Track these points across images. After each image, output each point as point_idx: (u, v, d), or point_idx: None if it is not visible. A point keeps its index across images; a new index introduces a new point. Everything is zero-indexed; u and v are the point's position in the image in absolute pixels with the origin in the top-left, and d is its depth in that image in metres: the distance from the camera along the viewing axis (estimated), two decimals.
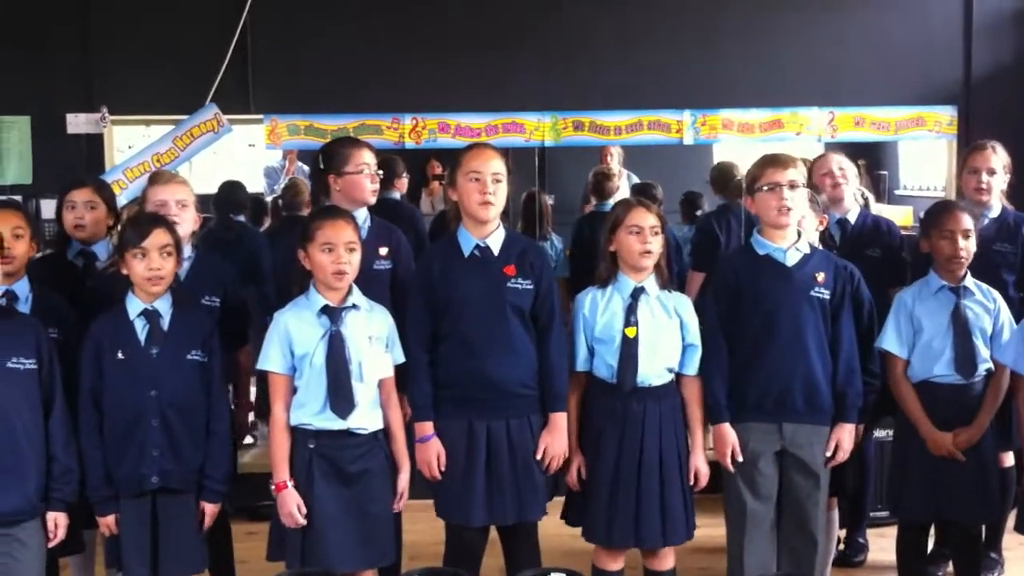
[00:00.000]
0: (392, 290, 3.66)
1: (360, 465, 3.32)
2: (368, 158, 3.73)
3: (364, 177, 3.70)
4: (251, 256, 5.23)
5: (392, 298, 3.61)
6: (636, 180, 6.36)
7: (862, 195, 4.57)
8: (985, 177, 4.16)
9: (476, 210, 3.42)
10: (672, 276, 5.36)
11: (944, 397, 3.61)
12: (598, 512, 3.48)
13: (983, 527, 3.91)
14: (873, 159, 5.32)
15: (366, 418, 3.33)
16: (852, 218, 4.34)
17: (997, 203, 4.20)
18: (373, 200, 3.73)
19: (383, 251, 3.70)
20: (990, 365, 3.61)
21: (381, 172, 3.80)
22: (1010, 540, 3.84)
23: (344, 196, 3.70)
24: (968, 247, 3.61)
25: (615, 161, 6.38)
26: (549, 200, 6.20)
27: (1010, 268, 4.11)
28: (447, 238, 3.55)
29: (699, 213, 6.15)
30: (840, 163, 4.35)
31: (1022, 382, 3.53)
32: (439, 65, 5.38)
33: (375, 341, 3.36)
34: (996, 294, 3.67)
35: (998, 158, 4.18)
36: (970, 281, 3.66)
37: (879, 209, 4.95)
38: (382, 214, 3.91)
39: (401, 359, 3.44)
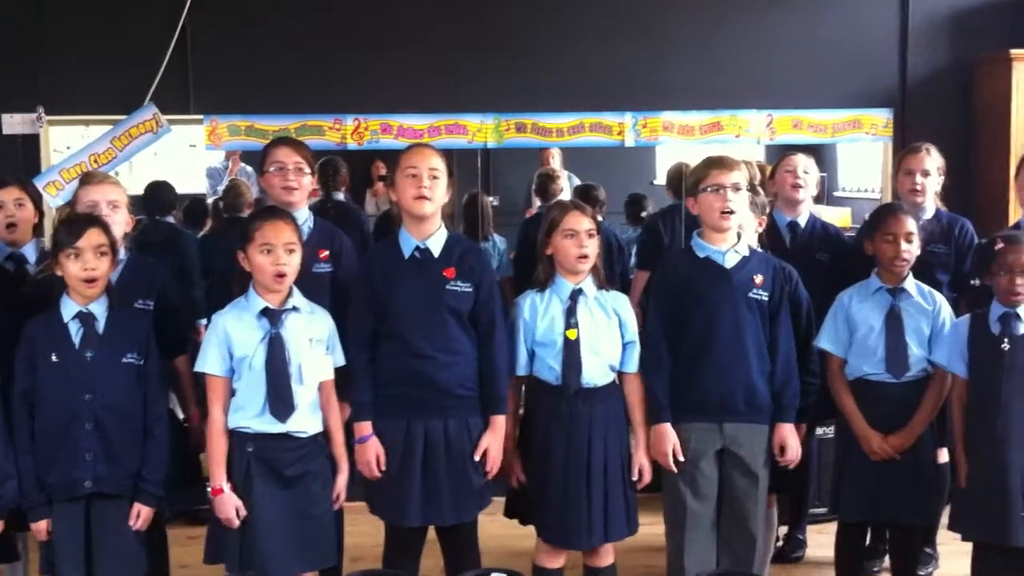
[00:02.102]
0: (333, 292, 3.63)
1: (299, 468, 3.30)
2: (283, 156, 3.68)
3: (275, 175, 3.66)
4: (181, 258, 5.18)
5: (333, 301, 3.58)
6: (578, 182, 6.39)
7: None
8: (920, 179, 4.22)
9: (412, 205, 3.41)
10: (615, 277, 5.49)
11: (876, 395, 3.66)
12: (551, 515, 3.50)
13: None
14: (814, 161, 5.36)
15: (305, 421, 3.31)
16: (802, 221, 4.38)
17: (931, 205, 4.27)
18: (293, 200, 3.64)
19: (324, 253, 3.68)
20: (925, 366, 3.66)
21: (309, 171, 3.73)
22: (944, 535, 3.89)
23: (270, 196, 3.70)
24: (911, 250, 3.66)
25: (556, 162, 6.40)
26: (493, 201, 6.20)
27: (944, 268, 4.17)
28: (389, 239, 3.55)
29: (644, 215, 6.19)
30: (806, 166, 4.38)
31: (955, 380, 3.59)
32: (381, 66, 5.34)
33: (315, 343, 3.35)
34: (938, 296, 3.72)
35: (932, 160, 4.24)
36: (911, 283, 3.71)
37: (818, 211, 5.00)
38: (327, 215, 3.89)
39: (342, 361, 3.43)
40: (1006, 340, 3.45)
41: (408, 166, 3.42)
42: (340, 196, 5.70)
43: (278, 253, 3.27)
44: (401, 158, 3.47)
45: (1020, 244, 3.48)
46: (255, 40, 5.33)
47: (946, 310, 3.69)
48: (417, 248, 3.45)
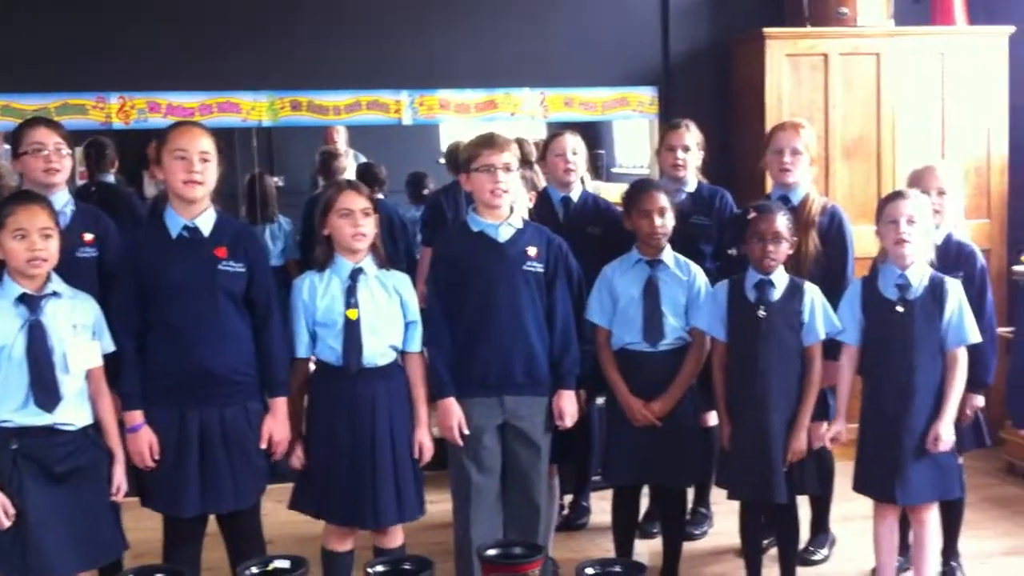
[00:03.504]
0: (100, 277, 3.49)
1: (70, 463, 3.17)
2: (43, 137, 3.52)
3: (35, 157, 3.50)
4: None
5: (101, 285, 3.44)
6: (364, 159, 6.35)
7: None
8: (681, 154, 4.39)
9: (182, 190, 3.32)
10: (400, 255, 5.49)
11: (637, 364, 3.77)
12: (336, 496, 3.47)
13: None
14: (590, 139, 5.53)
15: (73, 412, 3.18)
16: (575, 196, 4.46)
17: (693, 178, 4.45)
18: (55, 181, 3.51)
19: (88, 237, 3.53)
20: (681, 335, 3.80)
21: (68, 152, 3.57)
22: (718, 494, 4.09)
23: (27, 180, 3.51)
24: (665, 223, 3.78)
25: (341, 140, 6.34)
26: (278, 182, 6.09)
27: (707, 240, 4.33)
28: (153, 219, 3.43)
29: (426, 192, 6.21)
30: (574, 147, 4.44)
31: (716, 345, 3.77)
32: (147, 41, 5.11)
33: (80, 330, 3.22)
34: (693, 266, 3.86)
35: (692, 136, 4.41)
36: (668, 255, 3.83)
37: (596, 187, 5.15)
38: (92, 198, 3.72)
39: (111, 348, 3.30)
40: (762, 307, 3.63)
41: (176, 148, 3.31)
42: (109, 178, 5.46)
43: (33, 239, 3.11)
44: (168, 138, 3.35)
45: (771, 213, 3.69)
46: (8, 13, 5.01)
47: (701, 279, 3.84)
48: (185, 227, 3.35)
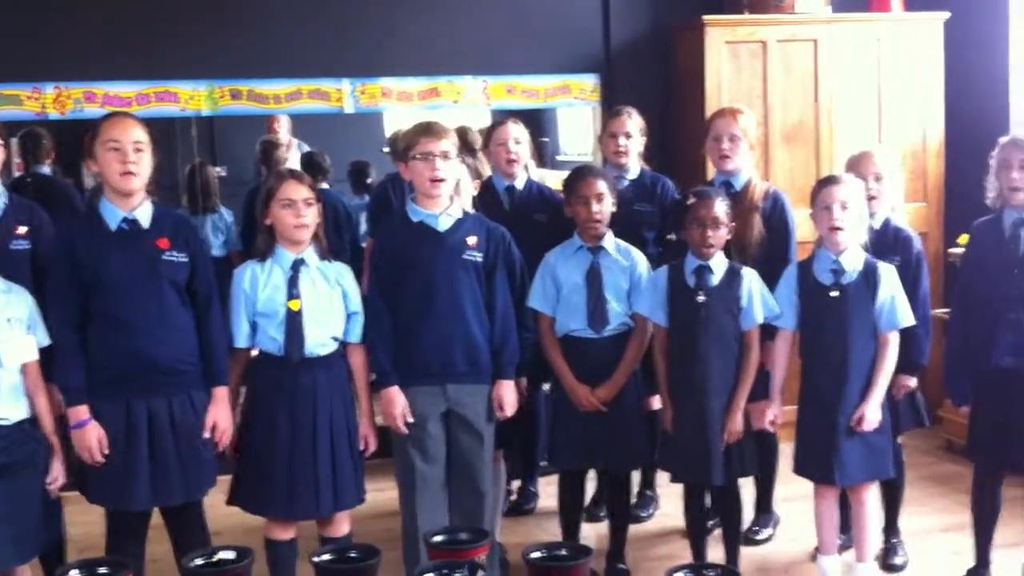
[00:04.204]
0: (34, 270, 3.43)
1: (6, 457, 3.14)
2: None
3: None
4: None
5: (35, 278, 3.39)
6: (307, 149, 6.31)
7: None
8: (623, 141, 4.40)
9: (119, 182, 3.28)
10: (344, 245, 5.46)
11: (582, 350, 3.79)
12: (275, 486, 3.45)
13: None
14: (535, 126, 5.53)
15: (8, 407, 3.16)
16: (520, 185, 4.46)
17: (635, 165, 4.46)
18: None
19: (21, 230, 3.47)
20: (624, 320, 3.83)
21: (2, 143, 3.52)
22: (664, 477, 4.10)
23: None
24: (603, 209, 3.79)
25: (284, 130, 6.29)
26: (220, 172, 6.02)
27: (650, 226, 4.34)
28: (88, 212, 3.39)
29: (369, 181, 6.19)
30: (516, 136, 4.43)
31: (657, 330, 3.80)
32: (83, 29, 5.02)
33: (14, 323, 3.19)
34: (634, 251, 3.88)
35: (633, 122, 4.42)
36: (609, 241, 3.85)
37: (542, 175, 5.16)
38: (28, 189, 3.66)
39: (47, 341, 3.27)
40: (701, 292, 3.66)
41: (109, 139, 3.27)
42: (45, 169, 5.38)
43: None
44: (100, 129, 3.31)
45: (710, 198, 3.72)
46: None
47: (643, 265, 3.86)
48: (125, 220, 3.31)
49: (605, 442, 3.80)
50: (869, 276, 3.62)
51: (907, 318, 3.65)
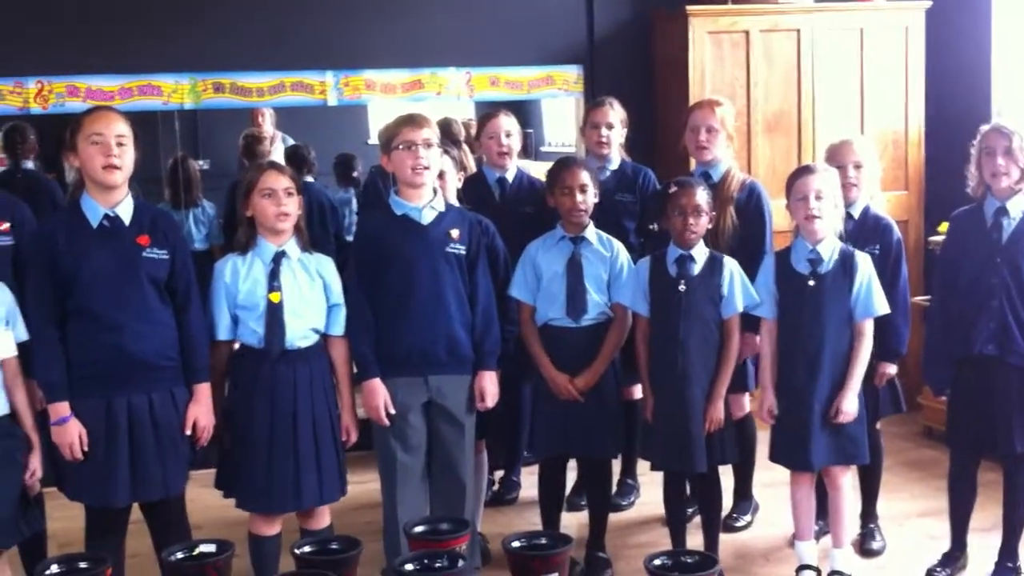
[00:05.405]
0: (15, 266, 3.43)
1: None
2: None
3: None
4: None
5: (16, 275, 3.39)
6: (292, 142, 6.31)
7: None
8: (605, 131, 4.41)
9: (102, 176, 3.28)
10: (329, 238, 5.47)
11: (561, 339, 3.82)
12: (257, 479, 3.47)
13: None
14: (519, 118, 5.55)
15: None
16: (510, 177, 4.48)
17: (617, 156, 4.47)
18: None
19: (4, 226, 3.47)
20: (603, 310, 3.85)
21: None
22: (644, 465, 4.14)
23: None
24: (586, 200, 3.82)
25: (268, 123, 6.28)
26: (203, 165, 6.02)
27: (631, 216, 4.37)
28: (70, 207, 3.39)
29: (355, 175, 6.19)
30: (508, 128, 4.45)
31: (638, 320, 3.82)
32: (65, 23, 5.01)
33: None
34: (616, 243, 3.91)
35: (615, 113, 4.44)
36: (591, 231, 3.87)
37: (526, 165, 5.17)
38: (16, 185, 3.66)
39: (24, 337, 3.27)
40: (683, 282, 3.69)
41: (92, 132, 3.28)
42: (29, 164, 5.37)
43: None
44: (83, 123, 3.31)
45: (692, 187, 3.74)
46: None
47: (624, 255, 3.89)
48: (106, 216, 3.32)
49: (583, 430, 3.83)
50: (845, 264, 3.65)
51: (882, 306, 3.67)
